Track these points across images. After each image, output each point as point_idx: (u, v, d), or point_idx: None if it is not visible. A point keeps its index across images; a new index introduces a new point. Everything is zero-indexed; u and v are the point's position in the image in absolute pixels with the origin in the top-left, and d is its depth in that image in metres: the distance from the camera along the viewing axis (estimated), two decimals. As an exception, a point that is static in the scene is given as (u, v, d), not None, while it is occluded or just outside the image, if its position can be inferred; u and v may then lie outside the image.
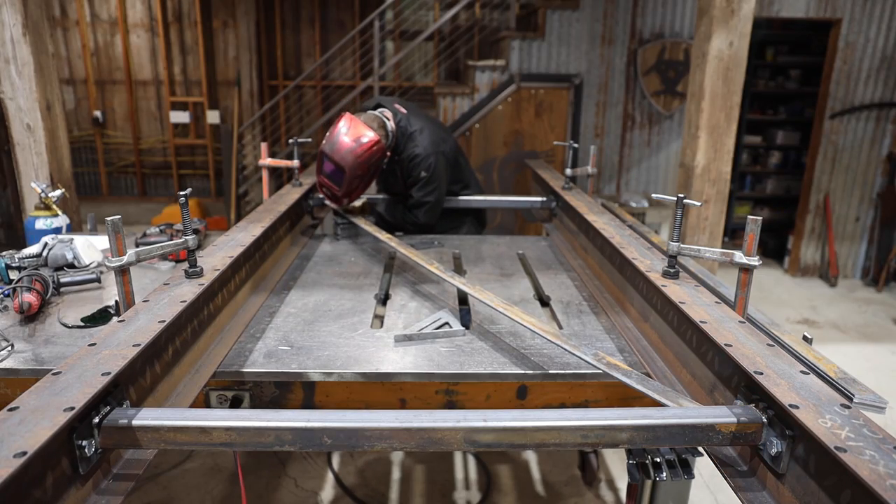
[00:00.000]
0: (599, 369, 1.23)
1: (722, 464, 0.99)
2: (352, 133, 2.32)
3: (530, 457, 3.02)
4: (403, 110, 2.63)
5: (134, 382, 1.03)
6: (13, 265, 1.89)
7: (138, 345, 1.05)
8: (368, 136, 2.33)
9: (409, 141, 2.58)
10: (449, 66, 6.59)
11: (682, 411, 0.97)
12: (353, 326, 1.58)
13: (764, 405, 0.94)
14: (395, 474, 2.88)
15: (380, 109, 2.62)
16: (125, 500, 0.90)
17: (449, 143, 2.74)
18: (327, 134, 2.36)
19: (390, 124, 2.53)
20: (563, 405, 1.41)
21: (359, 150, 2.31)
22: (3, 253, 1.94)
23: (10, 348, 1.39)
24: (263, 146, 2.58)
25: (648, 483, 1.74)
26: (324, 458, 2.98)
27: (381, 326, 1.60)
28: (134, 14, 7.23)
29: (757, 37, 5.17)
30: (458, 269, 2.14)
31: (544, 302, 1.82)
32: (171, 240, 1.82)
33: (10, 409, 0.83)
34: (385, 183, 2.88)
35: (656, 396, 1.10)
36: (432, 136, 2.61)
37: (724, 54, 2.98)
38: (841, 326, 4.87)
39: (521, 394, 1.41)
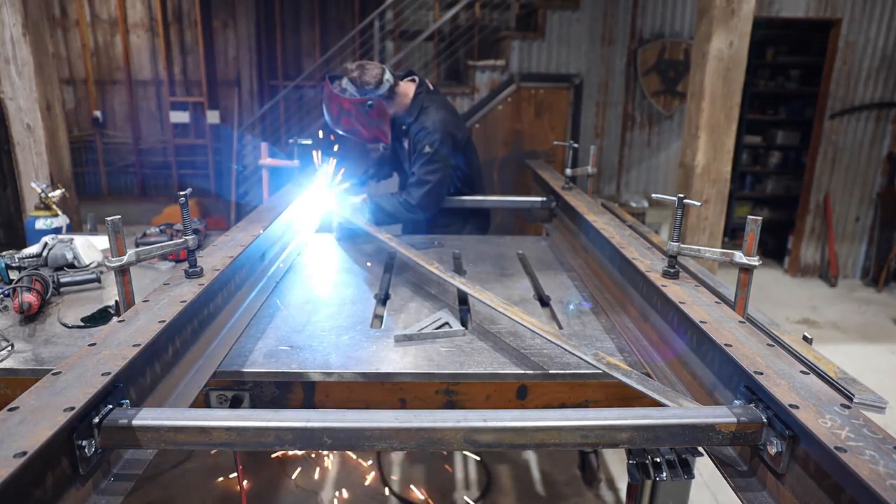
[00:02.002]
0: (599, 369, 1.22)
1: (722, 464, 0.99)
2: (326, 98, 2.61)
3: (530, 457, 3.02)
4: (431, 87, 2.73)
5: (134, 382, 1.03)
6: (13, 265, 1.89)
7: (138, 345, 1.05)
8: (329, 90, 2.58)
9: (422, 113, 2.63)
10: (449, 66, 6.59)
11: (682, 411, 0.97)
12: (353, 326, 1.58)
13: (764, 405, 0.94)
14: (396, 474, 2.88)
15: (411, 76, 2.73)
16: (125, 500, 0.90)
17: (461, 130, 2.74)
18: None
19: (388, 76, 2.60)
20: (563, 405, 1.41)
21: (331, 105, 2.58)
22: (3, 253, 1.94)
23: (10, 348, 1.39)
24: (263, 146, 2.58)
25: (648, 483, 1.74)
26: (324, 458, 2.98)
27: (381, 326, 1.60)
28: (134, 14, 7.23)
29: (757, 37, 5.17)
30: (458, 269, 2.14)
31: (544, 302, 1.82)
32: (171, 240, 1.82)
33: (10, 409, 0.82)
34: (394, 155, 2.94)
35: (656, 396, 1.10)
36: (446, 117, 2.64)
37: (724, 54, 2.98)
38: (841, 326, 4.87)
39: (521, 394, 1.41)
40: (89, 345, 1.06)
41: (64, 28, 7.23)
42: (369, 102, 2.57)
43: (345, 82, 2.58)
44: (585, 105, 5.46)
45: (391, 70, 2.65)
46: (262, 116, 6.86)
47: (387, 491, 2.77)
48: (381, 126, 2.65)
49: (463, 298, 1.78)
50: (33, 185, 2.51)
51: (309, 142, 2.68)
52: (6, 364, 1.33)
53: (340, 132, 2.70)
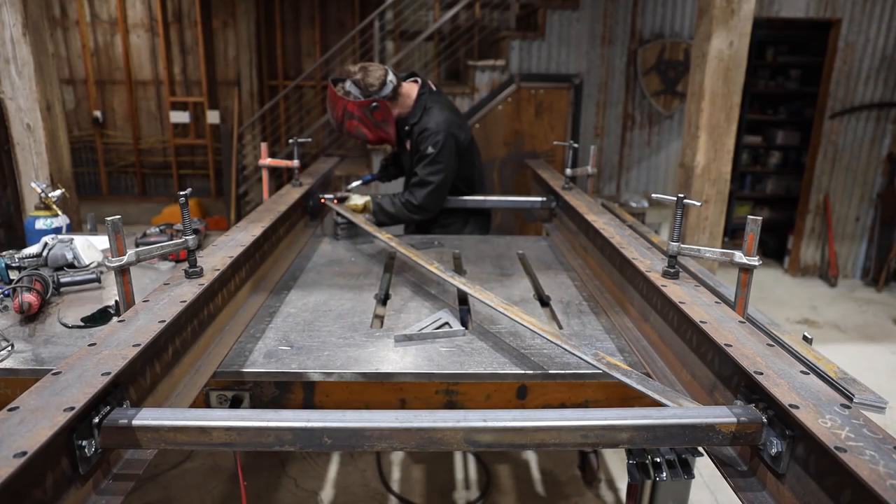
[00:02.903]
0: (599, 369, 1.22)
1: (722, 464, 0.99)
2: (329, 101, 2.65)
3: (530, 456, 3.02)
4: (433, 87, 2.73)
5: (134, 382, 1.03)
6: (13, 265, 1.89)
7: (138, 345, 1.05)
8: (334, 94, 2.61)
9: (424, 114, 2.63)
10: (449, 66, 6.60)
11: (682, 411, 0.97)
12: (353, 326, 1.58)
13: (764, 405, 0.94)
14: (396, 474, 2.88)
15: (413, 77, 2.74)
16: (125, 500, 0.90)
17: (464, 131, 2.74)
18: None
19: (391, 77, 2.60)
20: (563, 405, 1.41)
21: (336, 108, 2.62)
22: (3, 253, 1.94)
23: (10, 348, 1.39)
24: (263, 146, 2.58)
25: (648, 483, 1.74)
26: (324, 458, 2.98)
27: (381, 326, 1.60)
28: (134, 14, 7.23)
29: (757, 37, 5.17)
30: (458, 269, 2.14)
31: (544, 302, 1.82)
32: (171, 240, 1.82)
33: (10, 409, 0.82)
34: (398, 158, 2.97)
35: (656, 396, 1.10)
36: (449, 117, 2.64)
37: (724, 54, 2.98)
38: (841, 326, 4.87)
39: (521, 394, 1.41)
40: (89, 345, 1.06)
41: (64, 28, 7.23)
42: (373, 104, 2.57)
43: (348, 85, 2.58)
44: (585, 105, 5.46)
45: (394, 71, 2.65)
46: (262, 116, 6.86)
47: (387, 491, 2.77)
48: (385, 127, 2.65)
49: (463, 298, 1.78)
50: (33, 185, 2.51)
51: (309, 139, 2.72)
52: (6, 364, 1.33)
53: (345, 135, 2.70)
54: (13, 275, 1.85)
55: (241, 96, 7.27)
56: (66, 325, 1.54)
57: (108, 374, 0.94)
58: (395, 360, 1.40)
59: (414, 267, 2.05)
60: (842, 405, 0.88)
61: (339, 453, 3.01)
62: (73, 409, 0.83)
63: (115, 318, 1.31)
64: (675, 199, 1.39)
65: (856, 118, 5.54)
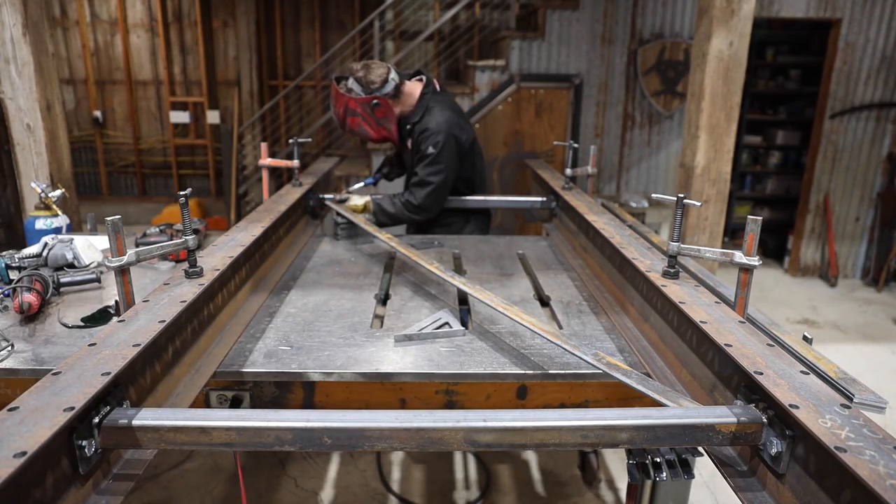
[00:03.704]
0: (599, 369, 1.22)
1: (722, 464, 0.99)
2: (332, 98, 2.67)
3: (530, 456, 3.02)
4: (438, 87, 2.72)
5: (134, 382, 1.03)
6: (13, 265, 1.89)
7: (138, 345, 1.05)
8: (338, 92, 2.62)
9: (426, 114, 2.62)
10: (449, 66, 6.60)
11: (682, 411, 0.97)
12: (353, 326, 1.58)
13: (764, 405, 0.94)
14: (396, 474, 2.88)
15: (419, 76, 2.74)
16: (125, 500, 0.90)
17: (466, 132, 2.71)
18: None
19: (394, 75, 2.60)
20: (563, 405, 1.41)
21: (338, 105, 2.63)
22: (3, 253, 1.94)
23: (10, 348, 1.39)
24: (263, 146, 2.59)
25: (648, 483, 1.74)
26: (324, 458, 2.98)
27: (381, 326, 1.60)
28: (134, 14, 7.23)
29: (757, 37, 5.17)
30: (458, 269, 2.14)
31: (544, 302, 1.82)
32: (171, 240, 1.82)
33: (10, 409, 0.82)
34: (401, 156, 2.98)
35: (656, 396, 1.10)
36: (451, 118, 2.62)
37: (724, 54, 2.98)
38: (841, 326, 4.87)
39: (521, 394, 1.41)
40: (89, 345, 1.06)
41: (64, 28, 7.23)
42: (374, 101, 2.57)
43: (350, 82, 2.59)
44: (585, 105, 5.46)
45: (397, 69, 2.66)
46: (262, 116, 6.86)
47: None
48: (387, 125, 2.65)
49: (463, 298, 1.78)
50: (33, 185, 2.51)
51: (309, 139, 2.72)
52: (6, 364, 1.33)
53: (348, 132, 2.71)
54: (13, 275, 1.85)
55: (241, 96, 7.28)
56: (66, 325, 1.54)
57: (108, 374, 0.94)
58: (395, 360, 1.40)
59: (414, 267, 2.05)
60: (842, 405, 0.88)
61: (339, 453, 3.01)
62: (73, 409, 0.83)
63: (115, 318, 1.31)
64: (675, 199, 1.39)
65: (856, 118, 5.54)
